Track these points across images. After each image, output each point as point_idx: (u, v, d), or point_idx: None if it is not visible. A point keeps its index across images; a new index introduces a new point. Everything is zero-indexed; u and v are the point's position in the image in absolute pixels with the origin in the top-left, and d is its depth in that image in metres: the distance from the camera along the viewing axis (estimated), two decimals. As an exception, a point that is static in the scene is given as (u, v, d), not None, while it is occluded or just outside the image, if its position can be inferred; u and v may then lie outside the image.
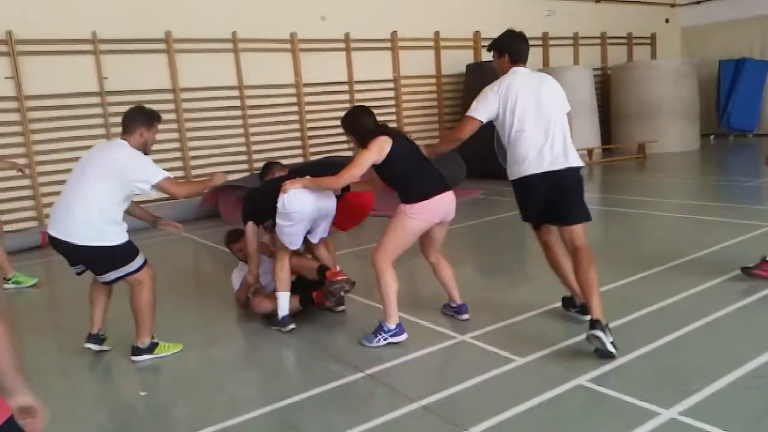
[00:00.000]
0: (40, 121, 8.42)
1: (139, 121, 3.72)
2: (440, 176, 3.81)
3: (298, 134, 10.57)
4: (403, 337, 3.76)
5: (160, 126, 9.26)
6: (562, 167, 3.62)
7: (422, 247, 4.00)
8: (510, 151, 3.75)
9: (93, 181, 3.54)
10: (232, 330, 4.45)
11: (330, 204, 4.01)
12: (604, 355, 3.32)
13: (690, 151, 13.21)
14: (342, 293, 4.10)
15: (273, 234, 4.14)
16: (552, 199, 3.67)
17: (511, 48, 3.86)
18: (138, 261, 3.70)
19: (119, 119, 8.91)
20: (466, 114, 3.82)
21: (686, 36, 16.27)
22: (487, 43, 11.19)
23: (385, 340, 3.73)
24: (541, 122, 3.63)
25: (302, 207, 3.87)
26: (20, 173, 6.58)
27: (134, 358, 3.81)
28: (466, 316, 4.10)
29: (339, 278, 4.01)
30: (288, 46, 10.34)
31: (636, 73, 13.40)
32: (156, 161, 9.32)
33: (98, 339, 3.96)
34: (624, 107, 13.56)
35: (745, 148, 13.53)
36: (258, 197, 4.29)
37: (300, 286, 4.28)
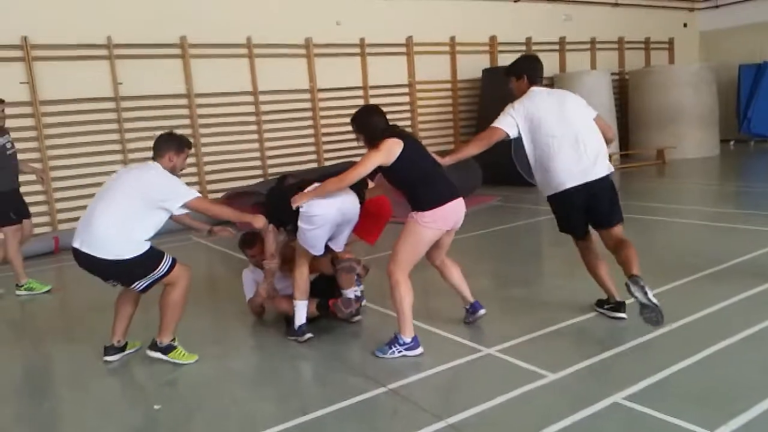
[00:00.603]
0: (54, 126, 8.36)
1: (168, 146, 3.77)
2: (451, 182, 3.72)
3: (312, 140, 10.46)
4: (419, 351, 3.63)
5: (176, 132, 9.27)
6: (594, 178, 3.81)
7: (427, 253, 3.84)
8: (542, 168, 3.89)
9: (117, 198, 3.59)
10: (246, 340, 4.32)
11: (354, 208, 3.87)
12: (644, 308, 3.45)
13: (710, 157, 12.95)
14: (355, 275, 4.09)
15: (294, 239, 3.98)
16: (590, 208, 3.90)
17: (528, 70, 4.03)
18: (164, 265, 3.66)
19: (133, 125, 9.00)
20: (492, 125, 3.96)
21: (705, 40, 16.02)
22: (504, 48, 11.58)
23: (399, 352, 3.61)
24: (569, 137, 3.79)
25: (325, 210, 3.75)
26: (40, 181, 6.54)
27: (149, 351, 3.84)
28: (482, 312, 4.08)
29: (348, 257, 4.00)
30: (303, 51, 10.25)
31: (654, 77, 13.19)
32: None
33: (117, 349, 3.97)
34: (642, 113, 13.34)
35: (766, 154, 13.26)
36: (278, 199, 4.10)
37: (317, 290, 4.16)
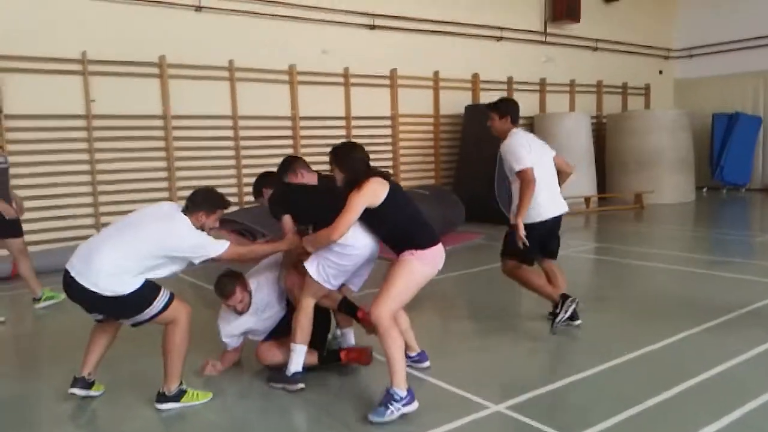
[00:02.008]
0: (18, 142, 7.87)
1: (200, 206, 3.49)
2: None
3: (291, 169, 10.12)
4: (415, 405, 3.24)
5: (148, 154, 8.82)
6: (563, 211, 4.58)
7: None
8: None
9: (135, 242, 3.31)
10: (223, 387, 3.89)
11: (377, 247, 3.55)
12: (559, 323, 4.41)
13: (687, 203, 13.05)
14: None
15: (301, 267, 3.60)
16: (551, 237, 4.61)
17: (513, 111, 4.53)
18: (159, 302, 3.35)
19: (104, 144, 8.56)
20: (521, 168, 4.30)
21: (679, 88, 16.36)
22: (485, 86, 11.09)
23: (398, 410, 3.17)
24: (548, 174, 4.44)
25: (365, 244, 3.45)
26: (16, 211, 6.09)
27: (159, 405, 3.46)
28: (427, 363, 3.88)
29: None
30: (286, 77, 10.00)
31: (632, 122, 13.30)
32: (140, 191, 8.82)
33: (86, 383, 3.61)
34: (620, 156, 13.40)
35: (740, 202, 13.43)
36: (296, 198, 3.72)
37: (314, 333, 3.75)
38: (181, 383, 3.51)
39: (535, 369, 3.97)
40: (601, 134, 14.06)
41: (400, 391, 3.20)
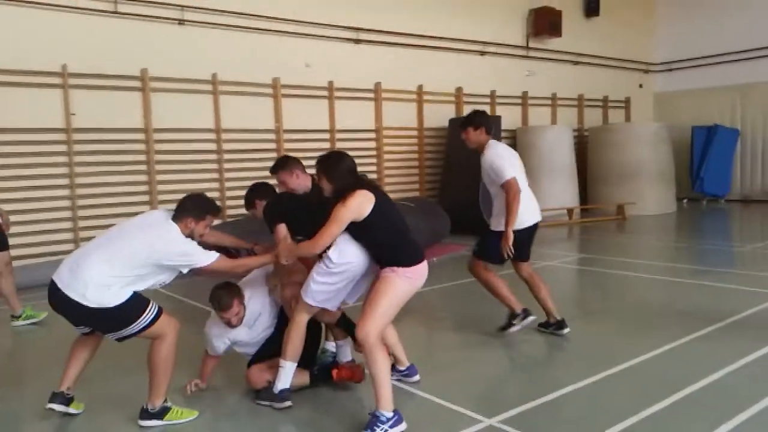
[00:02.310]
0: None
1: (188, 211, 3.37)
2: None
3: (275, 181, 10.03)
4: (403, 426, 3.14)
5: (130, 167, 8.66)
6: (539, 220, 4.73)
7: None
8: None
9: (124, 251, 3.22)
10: (208, 404, 3.78)
11: (371, 261, 3.42)
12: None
13: (668, 214, 13.16)
14: None
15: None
16: (523, 244, 4.62)
17: (487, 123, 4.60)
18: (147, 316, 3.26)
19: (84, 158, 8.42)
20: (506, 179, 4.38)
21: (658, 101, 16.59)
22: (469, 99, 11.12)
23: None
24: (524, 183, 4.59)
25: (356, 260, 3.32)
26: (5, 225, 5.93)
27: (141, 422, 3.36)
28: (416, 377, 3.82)
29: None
30: (270, 90, 9.94)
31: (614, 135, 13.43)
32: (121, 204, 8.66)
33: (64, 398, 3.48)
34: (601, 168, 13.51)
35: (720, 213, 13.59)
36: (290, 207, 3.65)
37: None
38: (165, 400, 3.41)
39: (525, 381, 3.93)
40: (583, 147, 14.17)
41: (387, 412, 3.10)
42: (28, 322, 5.66)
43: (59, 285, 3.21)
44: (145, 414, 3.37)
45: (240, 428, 3.38)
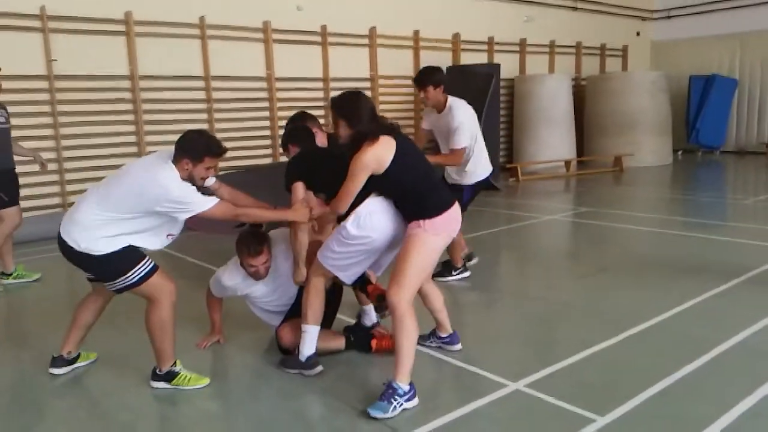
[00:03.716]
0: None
1: (184, 150, 3.03)
2: (445, 183, 3.31)
3: (268, 132, 9.71)
4: (416, 401, 2.91)
5: (116, 117, 8.24)
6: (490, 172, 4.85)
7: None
8: (474, 160, 4.67)
9: (117, 192, 3.02)
10: (220, 369, 3.62)
11: (402, 231, 3.06)
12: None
13: (665, 166, 13.03)
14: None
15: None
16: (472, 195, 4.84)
17: (445, 81, 4.53)
18: (138, 271, 3.06)
19: (68, 107, 8.02)
20: (460, 147, 4.50)
21: (655, 50, 16.23)
22: (466, 46, 10.72)
23: (400, 406, 2.85)
24: (481, 137, 4.71)
25: (375, 234, 3.01)
26: (40, 166, 5.75)
27: (152, 383, 3.27)
28: (459, 346, 3.55)
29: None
30: (260, 35, 9.49)
31: (612, 84, 13.13)
32: (108, 156, 8.30)
33: (65, 361, 3.46)
34: (599, 119, 13.26)
35: (716, 165, 13.49)
36: (310, 161, 3.31)
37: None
38: (174, 364, 3.23)
39: (547, 343, 3.79)
40: (580, 96, 13.86)
41: (404, 384, 2.89)
42: (18, 281, 5.42)
43: (60, 228, 3.07)
44: (155, 375, 3.26)
45: (253, 397, 3.20)
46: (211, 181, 3.27)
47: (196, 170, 3.03)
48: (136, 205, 2.99)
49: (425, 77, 4.43)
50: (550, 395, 3.02)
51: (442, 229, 2.99)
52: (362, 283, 3.42)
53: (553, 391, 3.06)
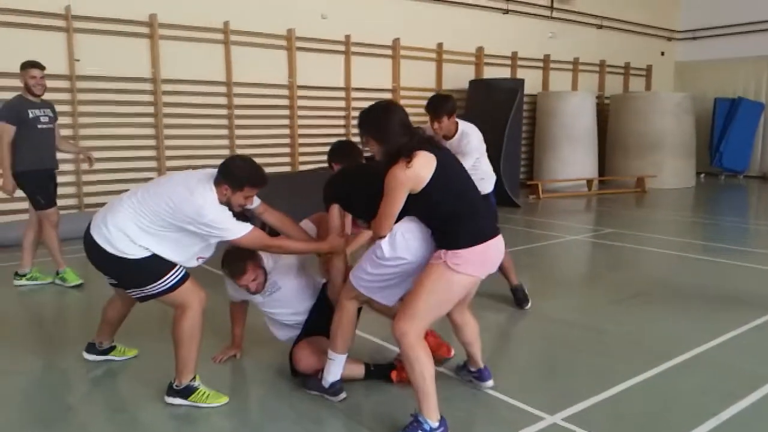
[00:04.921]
0: None
1: (226, 177, 2.94)
2: (493, 211, 2.87)
3: (287, 140, 9.59)
4: None
5: (136, 120, 8.18)
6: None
7: None
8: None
9: (149, 193, 2.96)
10: (240, 387, 3.46)
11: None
12: None
13: (688, 188, 12.79)
14: None
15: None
16: None
17: (456, 109, 4.26)
18: (169, 279, 2.96)
19: (89, 108, 7.96)
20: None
21: (679, 70, 16.03)
22: (490, 60, 10.46)
23: None
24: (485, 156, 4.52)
25: (411, 258, 2.71)
26: (87, 161, 5.71)
27: (167, 398, 3.10)
28: (490, 383, 3.20)
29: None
30: (284, 43, 9.40)
31: (636, 103, 12.94)
32: (127, 159, 8.23)
33: (99, 351, 3.60)
34: (621, 138, 13.06)
35: (741, 190, 13.20)
36: (348, 181, 3.05)
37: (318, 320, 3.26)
38: (194, 378, 3.08)
39: (582, 373, 3.57)
40: (603, 115, 13.67)
41: (432, 421, 2.61)
42: (30, 283, 5.31)
43: (90, 227, 3.00)
44: (171, 390, 3.09)
45: (273, 418, 3.02)
46: (256, 203, 3.15)
47: (235, 197, 2.95)
48: (170, 219, 2.90)
49: (440, 107, 4.08)
50: (590, 430, 2.82)
51: (467, 264, 2.60)
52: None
53: (592, 426, 2.86)
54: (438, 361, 3.18)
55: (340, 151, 3.36)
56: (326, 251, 3.13)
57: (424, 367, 2.60)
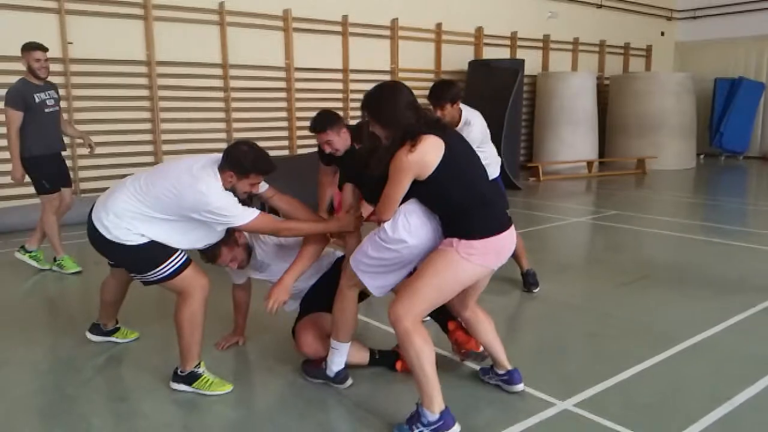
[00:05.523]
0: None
1: (231, 164, 2.86)
2: (505, 200, 2.73)
3: (285, 123, 9.47)
4: (456, 429, 2.52)
5: (131, 103, 8.03)
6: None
7: (454, 298, 2.74)
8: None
9: (151, 180, 2.89)
10: (244, 371, 3.40)
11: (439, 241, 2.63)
12: None
13: (689, 169, 12.72)
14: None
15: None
16: None
17: (461, 95, 4.10)
18: (170, 265, 2.90)
19: (82, 92, 7.80)
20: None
21: (680, 51, 15.88)
22: (489, 41, 10.22)
23: None
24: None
25: (413, 241, 2.57)
26: (88, 147, 5.58)
27: (172, 384, 3.07)
28: (520, 387, 2.96)
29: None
30: (281, 23, 9.23)
31: (637, 84, 12.82)
32: (122, 143, 8.08)
33: (100, 330, 3.62)
34: (622, 119, 12.96)
35: (742, 170, 13.12)
36: (359, 162, 2.94)
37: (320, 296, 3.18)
38: (198, 365, 3.02)
39: (593, 357, 3.52)
40: (603, 96, 13.55)
41: (431, 413, 2.49)
42: (28, 260, 5.30)
43: (92, 213, 2.96)
44: (176, 376, 3.05)
45: (280, 407, 2.96)
46: (263, 188, 3.08)
47: (240, 184, 2.88)
48: (174, 208, 2.83)
49: (443, 93, 3.92)
50: (603, 416, 2.76)
51: (479, 255, 2.48)
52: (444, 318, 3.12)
53: (605, 411, 2.81)
54: (465, 355, 3.10)
55: (357, 128, 3.34)
56: (336, 231, 3.05)
57: (421, 354, 2.47)
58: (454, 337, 3.10)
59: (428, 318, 2.90)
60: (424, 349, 2.48)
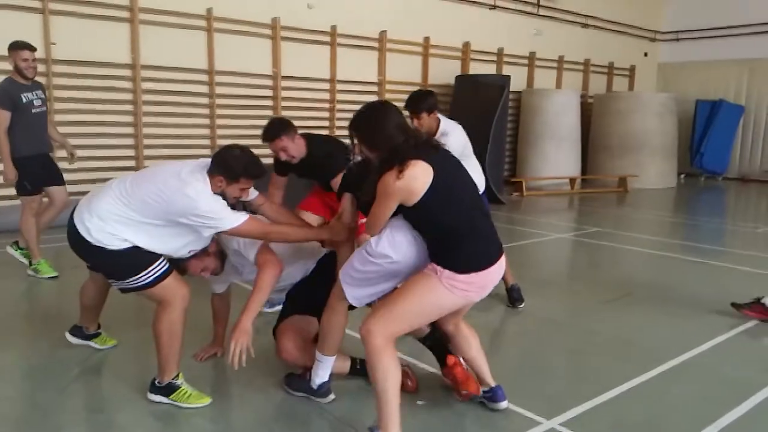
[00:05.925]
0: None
1: (221, 168, 2.81)
2: (494, 230, 2.62)
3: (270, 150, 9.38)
4: None
5: (114, 107, 7.91)
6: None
7: None
8: None
9: (137, 183, 2.82)
10: (223, 384, 3.32)
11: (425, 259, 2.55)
12: None
13: (669, 189, 12.87)
14: None
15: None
16: None
17: (437, 106, 4.10)
18: (150, 273, 2.81)
19: (65, 93, 7.67)
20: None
21: (662, 72, 16.11)
22: (476, 56, 10.19)
23: None
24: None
25: (396, 257, 2.52)
26: (69, 157, 5.56)
27: (149, 395, 2.98)
28: (504, 404, 2.90)
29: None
30: (269, 32, 9.19)
31: (620, 103, 12.98)
32: (104, 147, 7.98)
33: (84, 336, 3.54)
34: (604, 138, 13.10)
35: (722, 191, 13.31)
36: (357, 173, 2.85)
37: (309, 299, 3.11)
38: (177, 376, 2.94)
39: (578, 375, 3.51)
40: (587, 114, 13.68)
41: None
42: (19, 255, 5.22)
43: (74, 213, 2.87)
44: (153, 387, 2.96)
45: (259, 421, 2.89)
46: (253, 195, 3.03)
47: (230, 189, 2.82)
48: (161, 212, 2.76)
49: (420, 102, 3.94)
50: (589, 437, 2.74)
51: (462, 288, 2.42)
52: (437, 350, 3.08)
53: (592, 431, 2.78)
54: (466, 397, 2.99)
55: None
56: (327, 238, 3.01)
57: (387, 375, 2.39)
58: (452, 373, 2.99)
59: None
60: (391, 371, 2.41)
